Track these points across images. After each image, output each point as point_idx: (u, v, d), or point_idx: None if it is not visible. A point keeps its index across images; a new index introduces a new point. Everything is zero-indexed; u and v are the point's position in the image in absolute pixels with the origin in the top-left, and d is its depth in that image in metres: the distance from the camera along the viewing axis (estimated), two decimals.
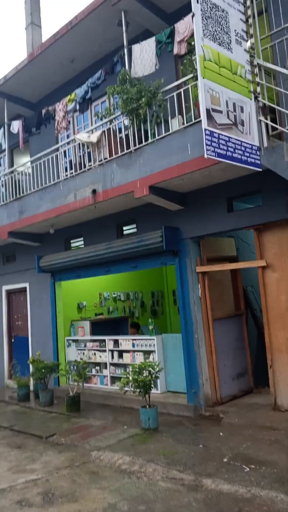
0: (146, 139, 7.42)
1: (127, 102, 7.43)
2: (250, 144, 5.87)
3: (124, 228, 9.36)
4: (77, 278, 10.24)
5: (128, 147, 7.71)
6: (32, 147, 11.50)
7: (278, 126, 6.23)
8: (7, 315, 12.42)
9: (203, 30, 5.52)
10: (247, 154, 5.81)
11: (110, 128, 8.21)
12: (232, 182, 7.25)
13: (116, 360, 9.39)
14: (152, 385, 7.20)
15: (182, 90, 7.26)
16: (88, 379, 9.50)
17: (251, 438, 6.17)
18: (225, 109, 5.63)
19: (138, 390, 7.05)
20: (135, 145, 7.54)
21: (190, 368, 7.82)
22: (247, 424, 6.75)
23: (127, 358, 9.14)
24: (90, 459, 6.00)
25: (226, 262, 8.29)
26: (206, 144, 5.31)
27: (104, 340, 9.65)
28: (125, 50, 7.96)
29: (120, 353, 9.32)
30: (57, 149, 9.72)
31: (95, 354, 9.80)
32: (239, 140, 5.71)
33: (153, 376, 7.15)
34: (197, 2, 5.51)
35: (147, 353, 8.79)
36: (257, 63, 6.18)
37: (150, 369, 7.14)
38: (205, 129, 5.33)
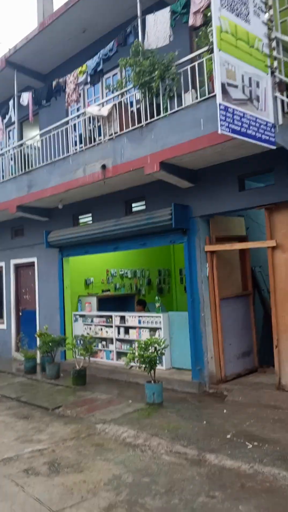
0: (158, 114, 7.27)
1: (140, 75, 7.27)
2: (265, 121, 5.71)
3: (133, 205, 9.28)
4: (85, 254, 10.25)
5: (139, 121, 7.57)
6: (41, 120, 11.34)
7: None
8: (15, 289, 12.53)
9: (220, 0, 5.32)
10: (262, 131, 5.66)
11: (121, 102, 8.05)
12: (244, 160, 7.11)
13: (122, 336, 9.47)
14: (158, 361, 7.26)
15: (196, 63, 7.05)
16: (94, 354, 9.60)
17: (255, 416, 6.24)
18: (241, 83, 5.46)
19: (143, 365, 7.12)
20: (146, 119, 7.40)
21: (195, 345, 7.86)
22: (251, 402, 6.82)
23: (133, 334, 9.21)
24: (96, 432, 6.11)
25: (235, 241, 8.23)
26: (221, 119, 5.17)
27: (110, 316, 9.72)
28: (139, 21, 7.71)
29: (126, 329, 9.39)
30: (67, 123, 9.56)
31: (101, 329, 9.88)
32: (253, 116, 5.56)
33: (159, 352, 7.21)
34: None
35: (153, 330, 8.84)
36: (275, 37, 5.97)
37: (156, 345, 7.20)
38: (220, 104, 5.19)
